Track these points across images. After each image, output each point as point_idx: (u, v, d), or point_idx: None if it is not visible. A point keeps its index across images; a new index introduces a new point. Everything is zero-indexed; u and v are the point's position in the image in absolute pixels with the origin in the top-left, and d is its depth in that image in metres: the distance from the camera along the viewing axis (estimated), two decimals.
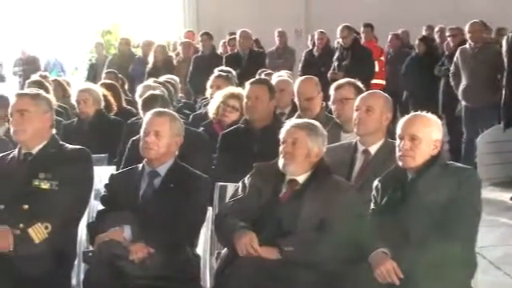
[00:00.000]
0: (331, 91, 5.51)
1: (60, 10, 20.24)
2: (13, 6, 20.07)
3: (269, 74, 7.96)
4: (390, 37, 12.97)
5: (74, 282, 4.51)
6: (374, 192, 4.20)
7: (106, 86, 7.90)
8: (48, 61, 17.16)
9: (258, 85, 5.81)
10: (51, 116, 4.59)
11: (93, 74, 13.06)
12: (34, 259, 4.08)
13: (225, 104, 6.36)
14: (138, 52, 13.23)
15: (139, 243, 4.20)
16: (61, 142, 4.60)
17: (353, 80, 5.55)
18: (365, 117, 4.69)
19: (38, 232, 4.18)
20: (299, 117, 5.67)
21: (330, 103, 5.59)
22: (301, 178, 4.29)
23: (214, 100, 6.58)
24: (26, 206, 4.30)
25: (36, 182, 4.36)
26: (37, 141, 4.48)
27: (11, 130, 4.55)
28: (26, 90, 4.70)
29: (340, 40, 11.03)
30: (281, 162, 4.30)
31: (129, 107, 8.05)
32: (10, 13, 20.30)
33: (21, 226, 4.20)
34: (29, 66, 14.78)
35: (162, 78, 8.34)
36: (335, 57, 10.92)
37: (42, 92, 4.70)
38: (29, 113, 4.43)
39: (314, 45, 12.19)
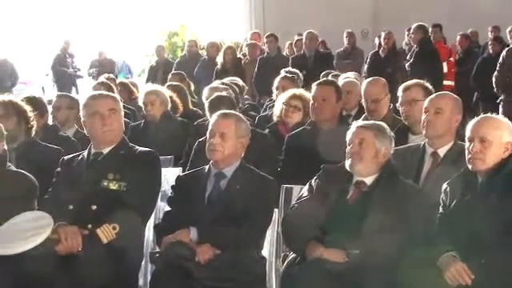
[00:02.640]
0: (399, 93, 5.43)
1: (127, 12, 20.54)
2: (88, 7, 20.49)
3: (336, 76, 7.90)
4: (458, 37, 12.73)
5: (140, 282, 4.54)
6: (442, 195, 4.13)
7: (172, 87, 7.96)
8: (116, 63, 17.40)
9: (324, 86, 5.78)
10: (122, 115, 4.65)
11: (153, 76, 13.19)
12: (102, 260, 4.12)
13: (287, 105, 6.35)
14: (204, 54, 13.31)
15: (205, 245, 4.22)
16: (130, 144, 4.64)
17: (421, 81, 5.47)
18: (434, 119, 4.61)
19: (107, 232, 4.22)
20: (366, 119, 5.61)
21: (397, 105, 5.52)
22: (368, 180, 4.25)
23: (277, 103, 6.57)
24: (95, 207, 4.36)
25: (105, 183, 4.41)
26: (112, 140, 4.53)
27: (100, 130, 4.51)
28: (102, 92, 4.72)
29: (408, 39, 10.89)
30: (348, 162, 4.26)
31: (195, 109, 8.10)
32: (86, 14, 20.74)
33: (89, 226, 4.26)
34: (104, 68, 14.99)
35: (228, 80, 8.36)
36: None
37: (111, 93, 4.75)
38: (117, 112, 4.50)
39: (380, 46, 12.08)
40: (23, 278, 3.96)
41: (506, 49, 9.19)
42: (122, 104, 4.70)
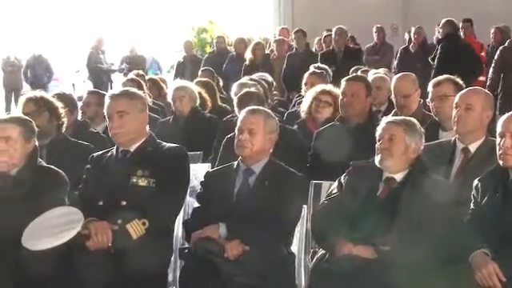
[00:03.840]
0: (430, 88, 5.39)
1: (156, 8, 20.63)
2: (119, 3, 20.60)
3: (365, 71, 7.87)
4: (492, 30, 12.56)
5: (170, 278, 4.55)
6: (473, 192, 4.09)
7: (201, 83, 7.98)
8: (146, 59, 17.45)
9: (354, 82, 5.75)
10: (147, 114, 4.65)
11: (180, 73, 13.22)
12: (131, 255, 4.14)
13: (317, 100, 6.32)
14: (233, 50, 13.31)
15: (234, 241, 4.23)
16: (158, 141, 4.64)
17: (452, 76, 5.42)
18: (464, 115, 4.57)
19: (136, 228, 4.23)
20: (396, 114, 5.58)
21: (428, 100, 5.47)
22: (398, 176, 4.22)
23: (306, 99, 6.55)
24: (124, 203, 4.37)
25: (134, 179, 4.42)
26: (134, 139, 4.54)
27: (110, 133, 4.59)
28: (121, 90, 4.73)
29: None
30: (377, 158, 4.24)
31: (223, 105, 8.10)
32: (116, 10, 20.86)
33: (119, 222, 4.27)
34: (134, 64, 15.05)
35: (257, 76, 8.35)
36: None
37: (135, 90, 4.76)
38: (127, 114, 4.47)
39: (410, 41, 11.99)
40: (54, 272, 4.00)
41: None
42: (143, 102, 4.65)
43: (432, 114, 5.37)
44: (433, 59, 10.27)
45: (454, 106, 4.66)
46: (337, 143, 5.43)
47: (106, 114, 4.57)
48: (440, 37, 10.67)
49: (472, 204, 4.07)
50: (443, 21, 10.69)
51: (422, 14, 14.84)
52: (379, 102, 6.66)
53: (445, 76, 5.47)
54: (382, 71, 7.74)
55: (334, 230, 4.10)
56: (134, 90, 4.80)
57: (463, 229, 3.97)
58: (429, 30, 12.30)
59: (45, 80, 16.42)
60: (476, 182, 4.09)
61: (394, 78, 6.27)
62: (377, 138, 4.28)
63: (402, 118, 4.45)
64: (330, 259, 4.08)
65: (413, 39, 11.66)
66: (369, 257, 3.98)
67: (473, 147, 4.58)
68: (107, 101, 4.58)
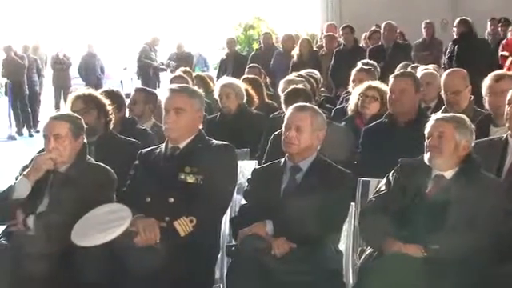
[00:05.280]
0: (487, 83, 5.28)
1: (203, 5, 20.72)
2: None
3: (414, 68, 7.78)
4: None
5: (217, 275, 4.55)
6: None
7: (247, 80, 7.98)
8: (193, 56, 17.53)
9: (402, 78, 5.68)
10: (202, 112, 4.66)
11: (223, 70, 13.24)
12: (179, 252, 4.15)
13: (363, 95, 6.27)
14: (279, 47, 13.29)
15: (281, 238, 4.21)
16: (207, 138, 4.64)
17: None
18: None
19: (184, 225, 4.24)
20: (445, 111, 5.51)
21: (484, 95, 5.36)
22: (448, 174, 4.16)
23: (353, 96, 6.51)
24: (172, 200, 4.38)
25: (182, 176, 4.43)
26: (185, 136, 4.54)
27: (163, 126, 4.59)
28: (181, 87, 4.73)
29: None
30: (427, 156, 4.18)
31: (270, 101, 8.09)
32: (164, 7, 21.03)
33: (167, 219, 4.29)
34: (182, 61, 15.14)
35: (305, 72, 8.32)
36: None
37: (195, 88, 4.76)
38: (184, 111, 4.48)
39: None
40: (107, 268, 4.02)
41: None
42: (202, 101, 4.63)
43: (487, 108, 5.27)
44: (449, 59, 10.16)
45: (507, 102, 4.58)
46: (385, 140, 5.38)
47: (163, 106, 4.57)
48: (455, 35, 10.57)
49: None
50: (457, 20, 10.58)
51: (473, 8, 14.61)
52: (429, 99, 6.57)
53: (504, 71, 5.37)
54: (431, 67, 7.63)
55: (382, 228, 4.06)
56: (195, 88, 4.80)
57: None
58: (479, 25, 12.09)
59: (98, 76, 16.66)
60: None
61: (444, 73, 6.19)
62: (426, 136, 4.23)
63: (452, 114, 4.38)
64: (378, 257, 4.04)
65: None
66: (418, 255, 3.93)
67: None
68: (167, 94, 4.58)
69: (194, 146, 4.53)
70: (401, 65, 8.45)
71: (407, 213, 4.09)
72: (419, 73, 6.86)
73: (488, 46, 10.68)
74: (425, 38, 12.70)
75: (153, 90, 7.62)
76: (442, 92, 6.02)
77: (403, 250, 3.94)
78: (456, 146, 4.14)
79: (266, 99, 8.11)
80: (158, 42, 16.33)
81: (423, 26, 12.77)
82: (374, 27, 13.00)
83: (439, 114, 4.46)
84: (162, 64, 16.40)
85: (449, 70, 6.25)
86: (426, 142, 4.21)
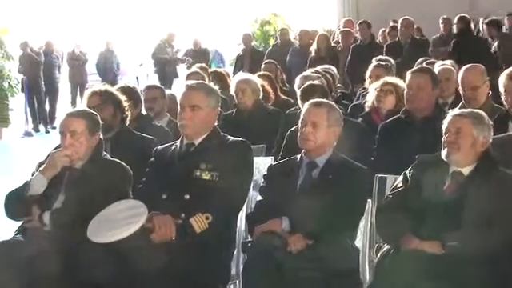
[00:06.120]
0: (503, 80, 5.23)
1: (219, 0, 20.71)
2: None
3: (431, 63, 7.72)
4: None
5: (233, 271, 4.55)
6: None
7: (264, 76, 7.96)
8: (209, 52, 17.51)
9: (419, 74, 5.64)
10: (218, 110, 4.65)
11: (240, 66, 13.21)
12: (195, 249, 4.14)
13: (379, 90, 6.25)
14: (296, 42, 13.25)
15: (297, 234, 4.20)
16: (222, 134, 4.63)
17: None
18: None
19: (200, 222, 4.23)
20: (463, 107, 5.47)
21: (501, 91, 5.31)
22: (466, 170, 4.12)
23: (370, 92, 6.49)
24: (188, 196, 4.38)
25: (197, 173, 4.42)
26: (200, 132, 4.53)
27: (178, 123, 4.58)
28: (198, 83, 4.72)
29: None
30: (444, 152, 4.14)
31: (286, 98, 8.06)
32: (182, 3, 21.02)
33: (183, 215, 4.28)
34: (198, 57, 15.13)
35: (321, 68, 8.29)
36: None
37: (212, 85, 4.75)
38: (200, 109, 4.46)
39: (478, 32, 11.74)
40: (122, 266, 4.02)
41: None
42: (218, 98, 4.61)
43: (505, 105, 5.22)
44: (449, 56, 10.11)
45: None
46: (402, 136, 5.34)
47: (179, 103, 4.56)
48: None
49: None
50: (457, 17, 10.51)
51: (490, 4, 14.50)
52: (446, 95, 6.53)
53: None
54: (448, 63, 7.58)
55: (399, 225, 4.04)
56: (211, 85, 4.79)
57: None
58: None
59: (115, 72, 16.70)
60: None
61: (462, 69, 6.13)
62: (443, 132, 4.19)
63: (470, 110, 4.35)
64: (395, 254, 4.01)
65: (481, 30, 11.41)
66: (436, 252, 3.90)
67: None
68: (183, 90, 4.58)
69: (209, 142, 4.52)
70: (419, 60, 8.39)
71: (425, 210, 4.06)
72: (436, 68, 6.81)
73: (484, 42, 10.62)
74: (442, 34, 12.62)
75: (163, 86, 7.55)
76: (460, 88, 5.97)
77: (421, 246, 3.92)
78: (474, 142, 4.11)
79: (282, 95, 8.09)
80: (174, 37, 16.33)
81: (440, 21, 12.67)
82: (391, 23, 12.93)
83: (456, 110, 4.43)
84: (178, 51, 16.38)
85: (466, 66, 6.18)
86: (444, 138, 4.17)
